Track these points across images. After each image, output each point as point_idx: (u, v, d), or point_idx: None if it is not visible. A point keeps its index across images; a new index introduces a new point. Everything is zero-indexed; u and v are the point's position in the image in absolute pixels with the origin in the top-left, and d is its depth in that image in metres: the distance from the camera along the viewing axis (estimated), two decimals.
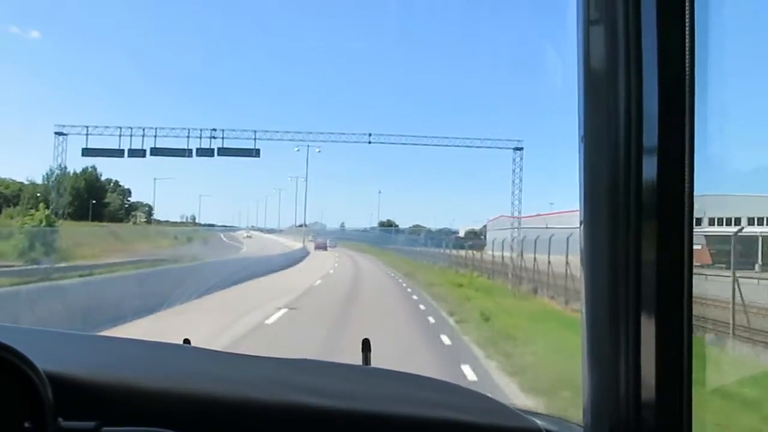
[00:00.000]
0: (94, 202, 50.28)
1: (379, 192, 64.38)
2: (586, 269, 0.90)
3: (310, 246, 46.13)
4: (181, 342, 1.36)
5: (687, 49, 0.82)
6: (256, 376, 1.11)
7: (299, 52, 56.85)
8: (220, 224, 59.89)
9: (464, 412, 1.00)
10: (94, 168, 51.55)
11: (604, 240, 0.87)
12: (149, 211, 58.19)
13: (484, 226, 46.39)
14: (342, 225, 70.05)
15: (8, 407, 0.79)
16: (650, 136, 0.83)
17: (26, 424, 0.76)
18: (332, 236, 56.99)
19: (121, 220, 54.06)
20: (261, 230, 58.56)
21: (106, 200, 54.52)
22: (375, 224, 63.65)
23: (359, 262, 37.42)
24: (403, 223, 61.91)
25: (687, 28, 0.82)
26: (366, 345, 1.33)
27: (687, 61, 0.82)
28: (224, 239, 50.67)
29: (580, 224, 0.91)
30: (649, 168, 0.83)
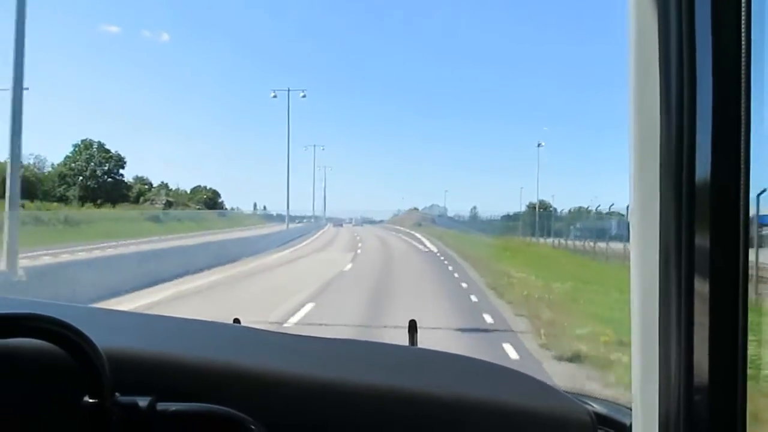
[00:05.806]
0: None
1: (539, 145, 45.80)
2: (635, 252, 0.89)
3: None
4: (231, 321, 1.40)
5: (743, 41, 0.80)
6: (306, 353, 1.14)
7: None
8: (300, 214, 53.41)
9: (512, 394, 1.01)
10: None
11: (655, 225, 0.87)
12: (213, 198, 50.14)
13: None
14: (473, 210, 57.00)
15: (68, 382, 0.84)
16: (704, 127, 0.83)
17: (85, 399, 0.79)
18: (448, 223, 50.84)
19: (86, 202, 41.41)
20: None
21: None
22: (523, 208, 49.74)
23: None
24: (561, 206, 49.10)
25: (743, 18, 0.80)
26: (412, 326, 1.34)
27: (743, 52, 0.80)
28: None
29: (629, 211, 0.90)
30: (703, 158, 0.83)
